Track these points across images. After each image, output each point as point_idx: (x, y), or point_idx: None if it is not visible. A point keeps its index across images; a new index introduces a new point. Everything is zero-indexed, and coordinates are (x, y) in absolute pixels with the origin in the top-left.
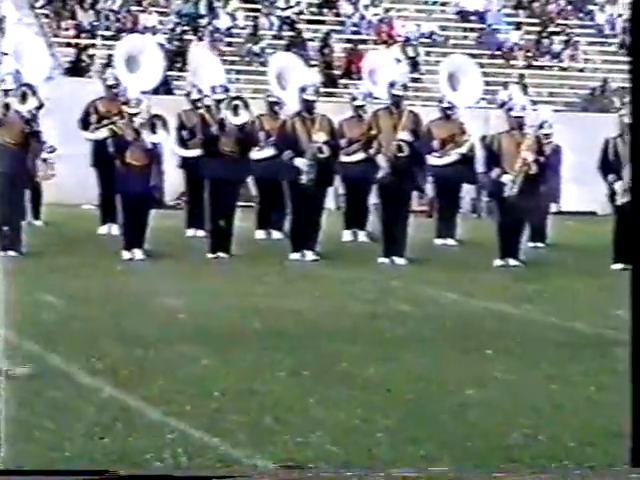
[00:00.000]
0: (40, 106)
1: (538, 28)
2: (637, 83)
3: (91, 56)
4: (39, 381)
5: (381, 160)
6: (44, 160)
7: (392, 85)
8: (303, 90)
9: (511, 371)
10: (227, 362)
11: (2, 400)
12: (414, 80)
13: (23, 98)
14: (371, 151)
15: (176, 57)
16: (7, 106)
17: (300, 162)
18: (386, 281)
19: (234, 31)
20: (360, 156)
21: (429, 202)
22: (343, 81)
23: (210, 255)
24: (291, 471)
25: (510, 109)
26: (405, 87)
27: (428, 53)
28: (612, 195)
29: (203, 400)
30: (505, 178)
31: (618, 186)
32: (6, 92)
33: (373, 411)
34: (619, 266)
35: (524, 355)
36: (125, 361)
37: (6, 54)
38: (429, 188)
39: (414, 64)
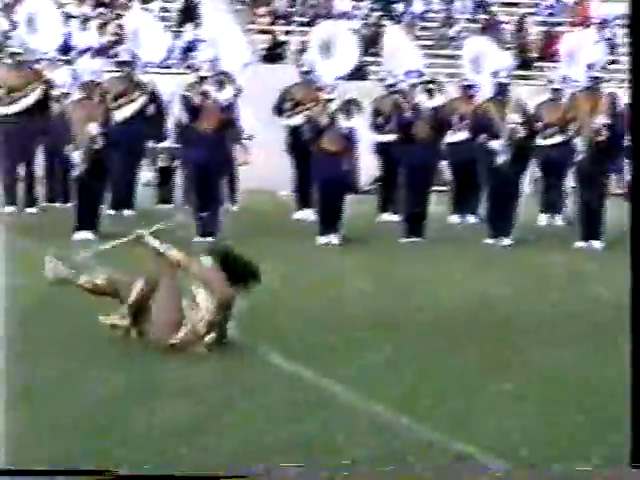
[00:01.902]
0: (237, 93)
1: None
2: (637, 82)
3: (286, 42)
4: (234, 363)
5: (579, 143)
6: (241, 147)
7: (590, 67)
8: (497, 74)
9: None
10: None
11: (2, 401)
12: (611, 62)
13: (220, 85)
14: (569, 134)
15: (370, 42)
16: (205, 94)
17: (495, 144)
18: (582, 264)
19: (428, 15)
20: (557, 139)
21: (627, 185)
22: (538, 64)
23: (404, 240)
24: (291, 471)
25: None
26: (604, 69)
27: (625, 35)
28: None
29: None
30: None
31: None
32: (204, 79)
33: None
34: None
35: None
36: (321, 345)
37: (204, 41)
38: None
39: (611, 46)
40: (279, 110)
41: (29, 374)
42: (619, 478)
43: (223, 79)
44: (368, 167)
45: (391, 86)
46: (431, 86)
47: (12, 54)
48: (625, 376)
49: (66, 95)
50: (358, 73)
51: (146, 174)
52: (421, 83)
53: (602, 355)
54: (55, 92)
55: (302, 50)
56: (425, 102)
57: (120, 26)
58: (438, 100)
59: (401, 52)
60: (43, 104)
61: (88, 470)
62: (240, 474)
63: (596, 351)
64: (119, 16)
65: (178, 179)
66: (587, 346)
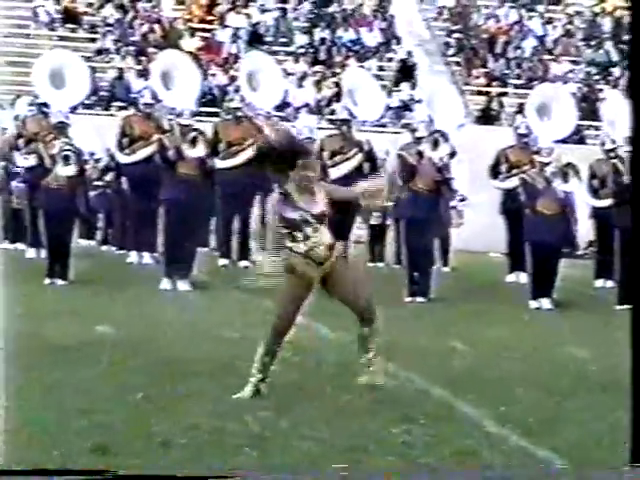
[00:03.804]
0: (452, 154)
1: None
2: (637, 84)
3: (501, 104)
4: (448, 428)
5: None
6: (454, 208)
7: None
8: None
9: None
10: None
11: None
12: None
13: (435, 145)
14: None
15: (587, 106)
16: (420, 153)
17: None
18: None
19: None
20: None
21: None
22: None
23: (618, 307)
24: (290, 472)
25: None
26: None
27: None
28: None
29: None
30: None
31: None
32: (419, 139)
33: None
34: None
35: None
36: (534, 410)
37: (420, 101)
38: None
39: None
40: (494, 172)
41: None
42: (619, 478)
43: (438, 138)
44: (584, 231)
45: (610, 151)
46: None
47: (232, 109)
48: None
49: None
50: (575, 137)
51: (357, 232)
52: None
53: None
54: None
55: (518, 112)
56: None
57: (337, 84)
58: None
59: (620, 116)
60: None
61: (88, 470)
62: (240, 474)
63: None
64: (335, 74)
65: (389, 237)
66: None
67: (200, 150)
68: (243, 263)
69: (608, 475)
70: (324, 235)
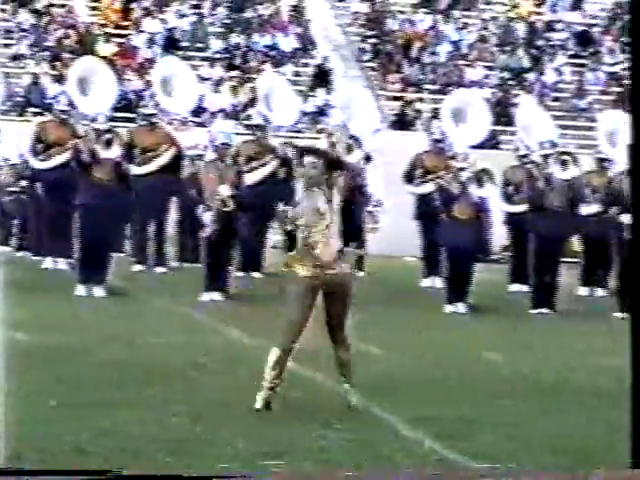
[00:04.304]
0: (368, 158)
1: None
2: (637, 85)
3: (417, 109)
4: (364, 433)
5: None
6: (370, 213)
7: None
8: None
9: None
10: (551, 418)
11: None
12: None
13: (349, 150)
14: None
15: (502, 111)
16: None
17: (627, 219)
18: None
19: (560, 86)
20: None
21: None
22: None
23: (533, 311)
24: (290, 471)
25: None
26: None
27: None
28: None
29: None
30: None
31: None
32: (334, 144)
33: None
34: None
35: None
36: (448, 414)
37: (334, 107)
38: None
39: None
40: (409, 177)
41: None
42: (619, 478)
43: (352, 144)
44: (497, 236)
45: (524, 156)
46: (566, 157)
47: (146, 115)
48: None
49: (199, 157)
50: (490, 142)
51: (275, 237)
52: (555, 154)
53: None
54: (188, 153)
55: (433, 117)
56: (559, 173)
57: (252, 89)
58: (572, 172)
59: (534, 122)
60: (175, 165)
61: (88, 470)
62: (240, 474)
63: None
64: (251, 79)
65: None
66: None
67: (115, 151)
68: (159, 269)
69: (608, 475)
70: (329, 244)
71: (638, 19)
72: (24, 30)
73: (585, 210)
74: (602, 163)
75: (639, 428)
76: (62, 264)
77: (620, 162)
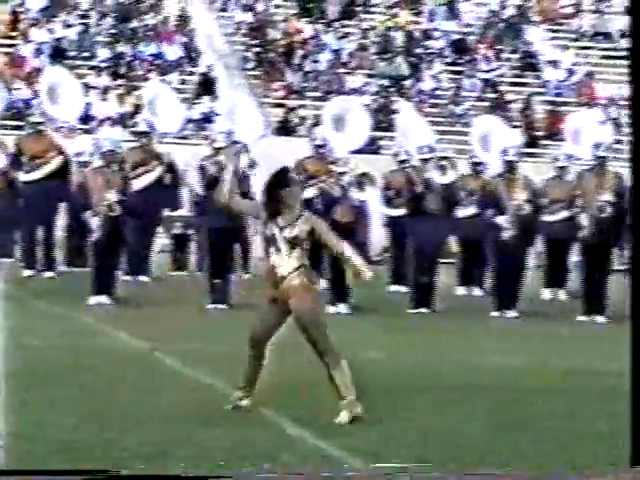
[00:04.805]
0: (252, 164)
1: None
2: (637, 85)
3: (300, 116)
4: (248, 431)
5: (584, 220)
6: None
7: (597, 146)
8: (505, 151)
9: None
10: (430, 414)
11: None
12: (616, 142)
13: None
14: (574, 211)
15: (382, 117)
16: (220, 165)
17: (501, 220)
18: (587, 339)
19: (438, 93)
20: (562, 215)
21: (628, 259)
22: (545, 142)
23: (412, 310)
24: (290, 472)
25: None
26: (609, 148)
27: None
28: None
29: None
30: None
31: None
32: (219, 150)
33: None
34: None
35: None
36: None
37: (219, 114)
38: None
39: (616, 126)
40: None
41: None
42: (619, 478)
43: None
44: (378, 238)
45: (403, 161)
46: (444, 162)
47: (33, 123)
48: None
49: (86, 163)
50: (370, 147)
51: (161, 241)
52: (434, 159)
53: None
54: (75, 160)
55: (315, 124)
56: (437, 178)
57: (139, 97)
58: (450, 176)
59: (413, 128)
60: (63, 171)
61: (88, 470)
62: (240, 474)
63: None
64: (137, 87)
65: (193, 246)
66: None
67: (1, 159)
68: (47, 274)
69: (608, 475)
70: (284, 259)
71: (638, 19)
72: None
73: (461, 213)
74: (476, 167)
75: (639, 428)
76: None
77: (494, 166)
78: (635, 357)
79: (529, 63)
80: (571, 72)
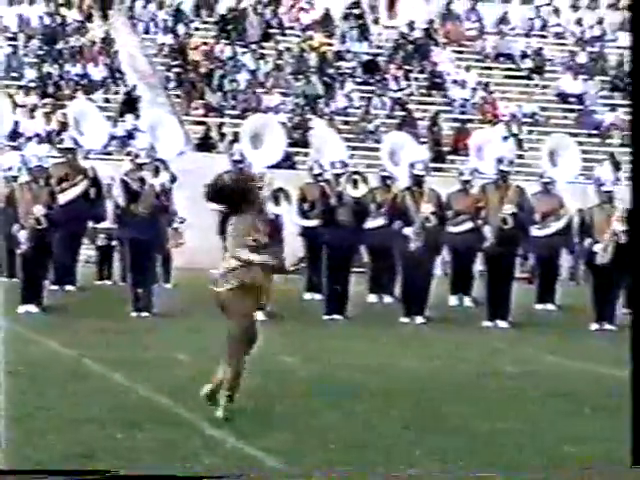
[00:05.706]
0: (173, 179)
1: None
2: (637, 86)
3: (220, 133)
4: (171, 433)
5: (487, 231)
6: (175, 229)
7: (500, 161)
8: (413, 166)
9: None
10: (343, 416)
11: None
12: (518, 157)
13: (156, 172)
14: (478, 222)
15: (297, 134)
16: (142, 180)
17: (409, 231)
18: (490, 343)
19: (350, 111)
20: (467, 226)
21: (530, 269)
22: (450, 157)
23: (326, 317)
24: (291, 471)
25: (601, 184)
26: (512, 163)
27: (530, 132)
28: None
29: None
30: (596, 247)
31: None
32: (141, 166)
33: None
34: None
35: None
36: (248, 414)
37: (142, 131)
38: (531, 257)
39: (518, 142)
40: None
41: None
42: (619, 478)
43: (159, 166)
44: (293, 249)
45: (317, 175)
46: (356, 177)
47: None
48: None
49: (14, 178)
50: (286, 162)
51: (87, 252)
52: (346, 173)
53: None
54: (3, 175)
55: (234, 140)
56: (350, 191)
57: (65, 115)
58: (362, 190)
59: (327, 144)
60: None
61: (88, 470)
62: (240, 474)
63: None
64: (64, 106)
65: (117, 257)
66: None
67: None
68: None
69: (608, 475)
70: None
71: (638, 19)
72: None
73: (370, 224)
74: (386, 180)
75: (639, 428)
76: None
77: (402, 179)
78: (635, 359)
79: (436, 83)
80: (475, 91)
